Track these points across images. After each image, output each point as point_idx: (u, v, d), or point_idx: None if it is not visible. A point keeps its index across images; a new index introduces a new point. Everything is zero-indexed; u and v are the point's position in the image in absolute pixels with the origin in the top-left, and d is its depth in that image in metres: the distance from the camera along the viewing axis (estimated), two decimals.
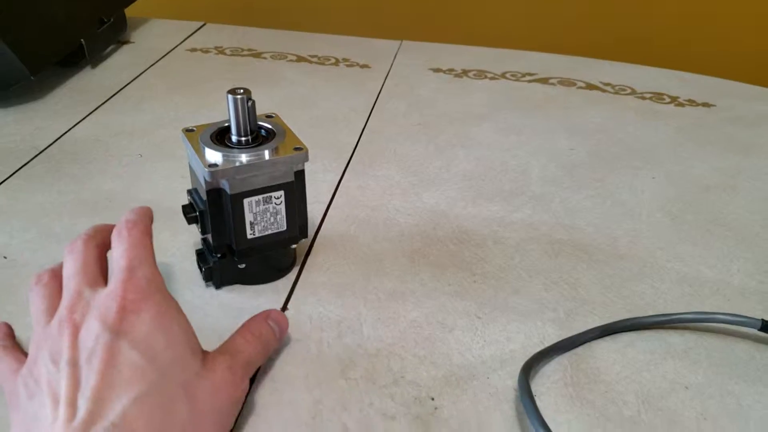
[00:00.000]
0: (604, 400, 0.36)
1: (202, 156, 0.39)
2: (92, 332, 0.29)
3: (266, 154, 0.39)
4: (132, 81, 0.73)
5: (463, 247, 0.47)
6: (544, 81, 0.75)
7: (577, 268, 0.45)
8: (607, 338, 0.40)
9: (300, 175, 0.41)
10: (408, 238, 0.48)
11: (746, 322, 0.39)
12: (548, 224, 0.50)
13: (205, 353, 0.33)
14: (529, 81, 0.75)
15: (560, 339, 0.39)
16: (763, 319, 0.39)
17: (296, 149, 0.40)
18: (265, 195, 0.39)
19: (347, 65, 0.78)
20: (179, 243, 0.47)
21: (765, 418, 0.35)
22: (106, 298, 0.31)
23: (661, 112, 0.68)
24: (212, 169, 0.38)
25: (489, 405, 0.35)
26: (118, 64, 0.77)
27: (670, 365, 0.38)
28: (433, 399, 0.35)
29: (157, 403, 0.28)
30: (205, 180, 0.38)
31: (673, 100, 0.71)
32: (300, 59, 0.79)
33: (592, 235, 0.49)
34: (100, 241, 0.35)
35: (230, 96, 0.39)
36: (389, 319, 0.41)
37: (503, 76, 0.76)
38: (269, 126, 0.41)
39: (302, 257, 0.46)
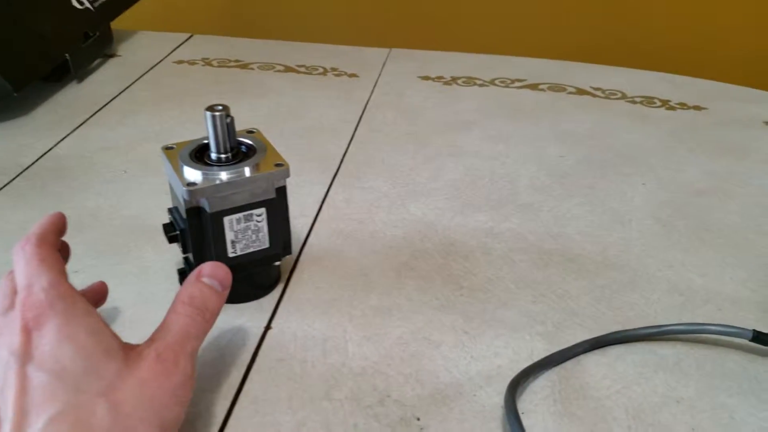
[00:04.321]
0: (594, 416, 0.35)
1: (180, 174, 0.38)
2: (2, 361, 0.30)
3: (246, 171, 0.38)
4: (118, 95, 0.72)
5: (451, 259, 0.47)
6: (534, 87, 0.74)
7: (566, 279, 0.45)
8: (597, 351, 0.39)
9: (282, 191, 0.40)
10: (395, 251, 0.47)
11: (738, 332, 0.38)
12: (537, 234, 0.49)
13: (130, 349, 0.31)
14: (519, 87, 0.74)
15: (549, 353, 0.38)
16: (754, 330, 0.38)
17: (277, 165, 0.39)
18: (246, 213, 0.39)
19: (335, 74, 0.78)
20: (163, 261, 0.46)
21: None
22: (10, 323, 0.31)
23: (651, 116, 0.67)
24: (191, 188, 0.37)
25: (476, 423, 0.34)
26: (105, 77, 0.76)
27: (661, 378, 0.37)
28: (418, 419, 0.35)
29: (72, 420, 0.28)
30: (184, 199, 0.38)
31: (664, 103, 0.70)
32: (288, 69, 0.79)
33: (582, 245, 0.48)
34: None
35: (208, 113, 0.38)
36: (375, 336, 0.40)
37: (492, 82, 0.75)
38: (249, 142, 0.41)
39: (287, 273, 0.45)
